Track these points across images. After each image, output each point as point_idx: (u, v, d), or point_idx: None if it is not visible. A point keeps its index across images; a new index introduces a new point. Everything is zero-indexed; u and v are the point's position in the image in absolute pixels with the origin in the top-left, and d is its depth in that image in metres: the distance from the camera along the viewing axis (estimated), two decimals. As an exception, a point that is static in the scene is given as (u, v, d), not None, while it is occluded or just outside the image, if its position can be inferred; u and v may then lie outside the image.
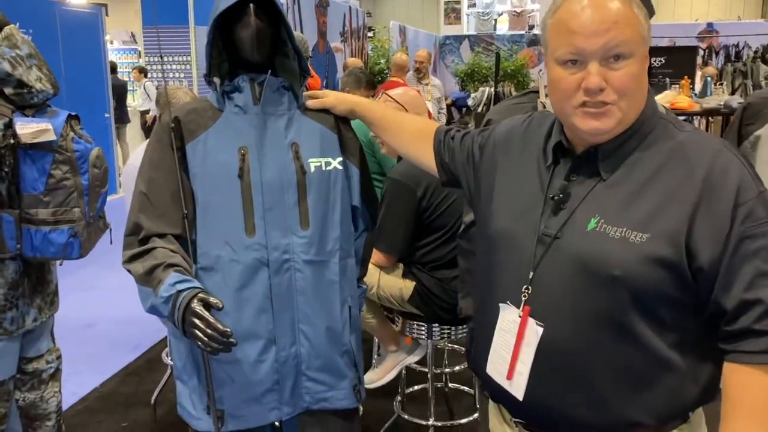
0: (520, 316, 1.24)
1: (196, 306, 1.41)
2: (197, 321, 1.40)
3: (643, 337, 1.15)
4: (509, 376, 1.27)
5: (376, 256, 2.63)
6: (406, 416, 3.01)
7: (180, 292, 1.44)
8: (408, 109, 2.62)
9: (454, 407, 3.19)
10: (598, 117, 1.17)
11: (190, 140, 1.62)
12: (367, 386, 2.93)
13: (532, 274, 1.23)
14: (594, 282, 1.15)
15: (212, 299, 1.43)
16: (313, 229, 1.64)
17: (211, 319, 1.40)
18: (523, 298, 1.23)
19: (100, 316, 4.45)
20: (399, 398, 3.15)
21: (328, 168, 1.68)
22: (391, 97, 2.65)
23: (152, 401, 3.20)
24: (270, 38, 1.63)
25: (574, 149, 1.26)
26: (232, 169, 1.60)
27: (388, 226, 2.55)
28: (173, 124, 1.61)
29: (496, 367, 1.31)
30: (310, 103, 1.71)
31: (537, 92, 1.83)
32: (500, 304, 1.29)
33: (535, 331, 1.22)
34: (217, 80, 1.65)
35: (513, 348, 1.25)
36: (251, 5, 1.57)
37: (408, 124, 1.71)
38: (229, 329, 1.40)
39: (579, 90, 1.16)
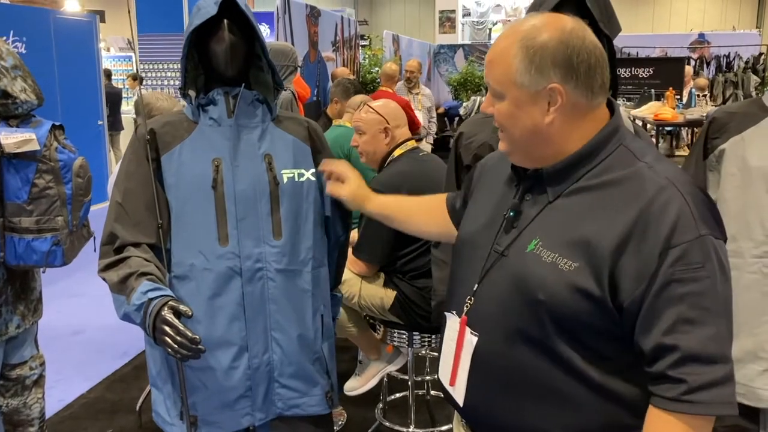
0: (459, 325, 1.28)
1: (166, 313, 1.44)
2: (167, 328, 1.43)
3: (568, 361, 1.15)
4: (452, 382, 1.31)
5: (358, 265, 2.66)
6: (387, 424, 3.04)
7: (151, 299, 1.48)
8: (388, 120, 2.67)
9: (436, 415, 3.22)
10: (500, 139, 1.26)
11: (165, 152, 1.66)
12: (348, 394, 2.97)
13: (476, 286, 1.26)
14: (522, 302, 1.17)
15: (182, 307, 1.46)
16: (285, 239, 1.68)
17: (180, 326, 1.43)
18: (465, 308, 1.27)
19: (88, 323, 4.47)
20: (381, 406, 3.18)
21: (300, 179, 1.72)
22: (373, 109, 2.71)
23: (137, 408, 3.23)
24: (244, 52, 1.68)
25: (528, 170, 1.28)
26: (206, 180, 1.64)
27: (368, 236, 2.59)
28: (149, 136, 1.65)
29: (443, 372, 1.36)
30: (329, 191, 1.69)
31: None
32: (446, 313, 1.35)
33: (470, 341, 1.26)
34: (192, 93, 1.69)
35: (454, 355, 1.30)
36: (225, 20, 1.62)
37: (417, 206, 1.71)
38: (197, 336, 1.43)
39: None
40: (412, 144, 2.74)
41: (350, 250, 2.65)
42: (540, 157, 1.21)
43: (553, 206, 1.20)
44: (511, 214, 1.26)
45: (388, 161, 2.72)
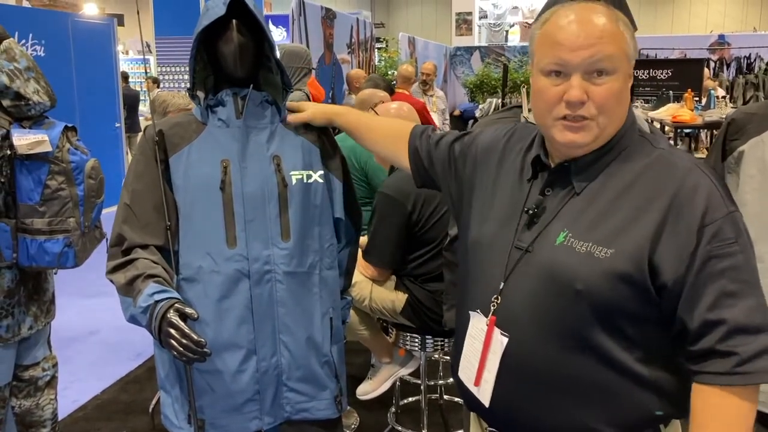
0: (487, 325, 1.27)
1: (172, 316, 1.43)
2: (172, 331, 1.42)
3: (606, 351, 1.16)
4: (476, 383, 1.30)
5: (370, 269, 2.64)
6: (399, 428, 3.02)
7: (157, 302, 1.47)
8: None
9: (449, 419, 3.19)
10: (576, 130, 1.19)
11: (173, 153, 1.65)
12: (361, 398, 2.95)
13: (502, 284, 1.25)
14: (558, 295, 1.17)
15: (188, 309, 1.45)
16: (294, 241, 1.66)
17: (186, 329, 1.42)
18: (492, 308, 1.26)
19: (102, 324, 4.49)
20: (393, 410, 3.17)
21: (309, 181, 1.70)
22: (374, 111, 2.71)
23: (150, 409, 3.23)
24: (253, 53, 1.66)
25: (551, 163, 1.28)
26: (214, 182, 1.63)
27: (379, 240, 2.56)
28: (157, 138, 1.65)
29: (466, 372, 1.34)
30: (289, 119, 1.74)
31: (521, 107, 1.85)
32: (470, 312, 1.32)
33: (500, 341, 1.24)
34: (201, 94, 1.68)
35: (480, 355, 1.28)
36: (234, 21, 1.61)
37: (384, 127, 1.74)
38: (203, 339, 1.42)
39: (561, 102, 1.18)
40: None
41: (360, 254, 2.63)
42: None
43: (579, 198, 1.21)
44: (535, 209, 1.25)
45: None
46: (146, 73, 7.24)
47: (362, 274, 2.64)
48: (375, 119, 1.83)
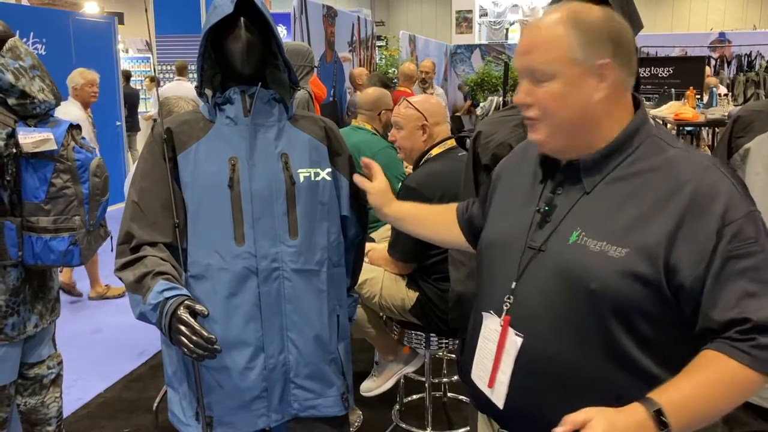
0: (501, 326, 1.26)
1: (182, 313, 1.44)
2: (183, 328, 1.42)
3: (622, 351, 1.15)
4: (490, 384, 1.29)
5: (393, 265, 2.64)
6: (403, 425, 3.02)
7: (167, 299, 1.47)
8: (427, 116, 2.62)
9: (453, 417, 3.20)
10: (531, 130, 1.25)
11: (181, 150, 1.65)
12: (365, 395, 2.95)
13: (514, 284, 1.25)
14: (573, 295, 1.17)
15: (198, 306, 1.45)
16: (301, 239, 1.67)
17: (196, 326, 1.42)
18: (505, 308, 1.25)
19: (107, 322, 4.49)
20: (397, 407, 3.17)
21: (317, 178, 1.71)
22: (411, 104, 2.66)
23: (154, 407, 3.23)
24: (260, 51, 1.67)
25: (560, 163, 1.28)
26: (222, 179, 1.63)
27: (403, 234, 2.53)
28: (165, 135, 1.65)
29: (479, 374, 1.33)
30: (356, 179, 1.73)
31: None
32: (483, 313, 1.32)
33: (514, 342, 1.24)
34: (208, 92, 1.68)
35: (494, 357, 1.28)
36: (242, 19, 1.61)
37: (430, 214, 1.73)
38: (213, 336, 1.42)
39: None
40: (451, 143, 2.65)
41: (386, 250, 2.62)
42: (579, 144, 1.22)
43: (590, 197, 1.21)
44: (546, 208, 1.25)
45: (424, 159, 2.65)
46: (151, 71, 7.23)
47: (385, 269, 2.62)
48: (419, 207, 1.79)
